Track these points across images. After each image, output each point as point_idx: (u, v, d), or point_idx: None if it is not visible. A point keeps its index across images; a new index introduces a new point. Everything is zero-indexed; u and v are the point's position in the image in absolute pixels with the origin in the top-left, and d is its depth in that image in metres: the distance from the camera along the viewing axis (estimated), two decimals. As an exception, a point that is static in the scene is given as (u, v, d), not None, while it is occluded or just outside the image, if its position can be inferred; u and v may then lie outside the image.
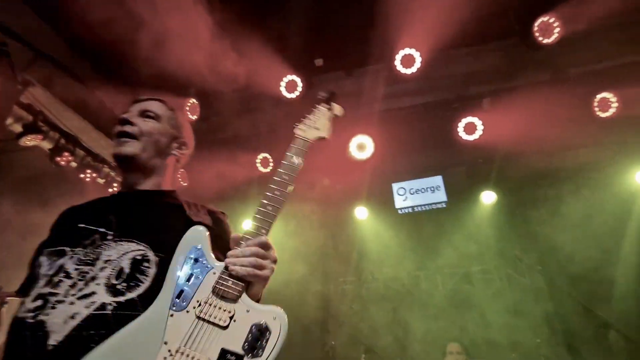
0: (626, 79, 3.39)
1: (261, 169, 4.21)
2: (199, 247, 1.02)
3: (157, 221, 1.16)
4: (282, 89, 3.65)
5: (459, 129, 3.88)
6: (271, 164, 4.19)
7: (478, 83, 3.83)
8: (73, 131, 3.96)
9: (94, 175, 4.16)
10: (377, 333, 4.32)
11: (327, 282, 4.90)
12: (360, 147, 3.98)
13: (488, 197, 4.28)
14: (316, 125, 1.31)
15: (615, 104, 3.46)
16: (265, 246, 1.00)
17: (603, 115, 3.61)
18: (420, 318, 4.42)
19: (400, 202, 4.55)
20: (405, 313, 4.50)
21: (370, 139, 3.90)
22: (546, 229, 4.48)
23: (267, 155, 4.20)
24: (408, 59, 3.45)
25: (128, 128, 1.20)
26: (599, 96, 3.51)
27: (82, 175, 4.08)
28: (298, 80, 3.60)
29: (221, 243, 1.16)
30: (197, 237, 1.04)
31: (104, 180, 4.26)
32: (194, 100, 3.82)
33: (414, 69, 3.44)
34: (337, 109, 1.39)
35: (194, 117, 3.87)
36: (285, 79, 3.63)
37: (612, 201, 4.19)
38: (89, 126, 4.03)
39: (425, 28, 3.37)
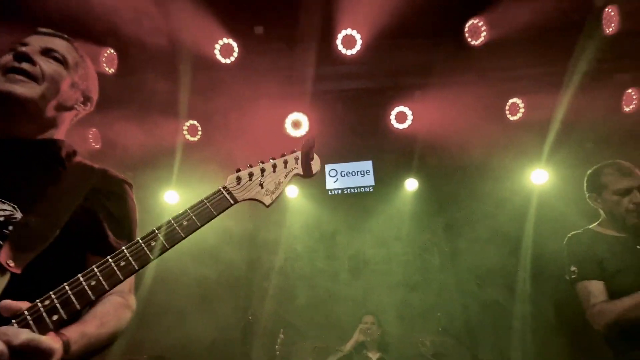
0: (534, 88, 3.83)
1: (188, 137, 3.91)
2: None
3: (32, 177, 0.97)
4: (217, 52, 3.40)
5: (391, 117, 4.04)
6: (199, 133, 3.92)
7: (413, 74, 3.99)
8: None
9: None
10: (299, 310, 4.42)
11: (252, 257, 4.84)
12: (296, 124, 3.92)
13: (411, 185, 4.57)
14: (268, 181, 1.07)
15: (523, 109, 3.90)
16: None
17: (512, 118, 4.07)
18: (341, 295, 4.63)
19: (331, 183, 4.63)
20: (327, 290, 4.67)
21: (305, 117, 3.86)
22: (458, 218, 4.96)
23: (195, 122, 3.91)
24: (349, 40, 3.45)
25: (27, 66, 0.98)
26: (510, 100, 3.91)
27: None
28: (234, 44, 3.38)
29: (112, 221, 1.04)
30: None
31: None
32: (112, 51, 3.36)
33: (354, 51, 3.45)
34: (316, 164, 1.15)
35: (111, 71, 3.42)
36: (221, 42, 3.37)
37: (514, 198, 4.78)
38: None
39: (368, 12, 3.39)
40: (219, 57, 3.41)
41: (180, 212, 0.96)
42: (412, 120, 4.03)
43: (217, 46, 3.40)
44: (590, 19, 3.28)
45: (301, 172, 1.13)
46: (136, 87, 3.72)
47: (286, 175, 1.10)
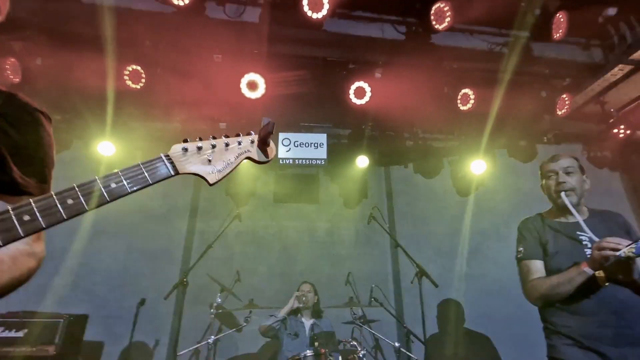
0: (484, 81, 4.00)
1: (129, 83, 3.52)
2: None
3: None
4: (169, -9, 3.04)
5: (350, 92, 4.00)
6: (143, 80, 3.54)
7: (376, 51, 3.95)
8: None
9: None
10: (238, 276, 4.39)
11: (194, 222, 4.66)
12: (252, 85, 3.72)
13: (362, 161, 4.64)
14: (217, 159, 1.00)
15: (473, 101, 4.08)
16: None
17: (463, 108, 4.25)
18: (282, 264, 4.67)
19: (283, 152, 4.53)
20: (268, 260, 4.67)
21: (262, 80, 3.67)
22: (403, 198, 5.20)
23: (139, 68, 3.52)
24: (316, 3, 3.28)
25: None
26: (463, 90, 4.06)
27: None
28: (189, -15, 3.04)
29: (19, 154, 0.89)
30: None
31: None
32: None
33: (319, 15, 3.30)
34: (271, 151, 1.09)
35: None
36: (174, -20, 3.02)
37: (456, 185, 5.11)
38: None
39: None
40: (171, -2, 3.05)
41: (111, 172, 0.85)
42: (370, 97, 4.03)
43: (170, -16, 3.03)
44: (540, 22, 3.46)
45: (254, 157, 1.07)
46: (68, 15, 3.23)
47: (237, 156, 1.03)
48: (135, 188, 0.87)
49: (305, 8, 3.26)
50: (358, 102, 4.07)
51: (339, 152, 4.73)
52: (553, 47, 3.92)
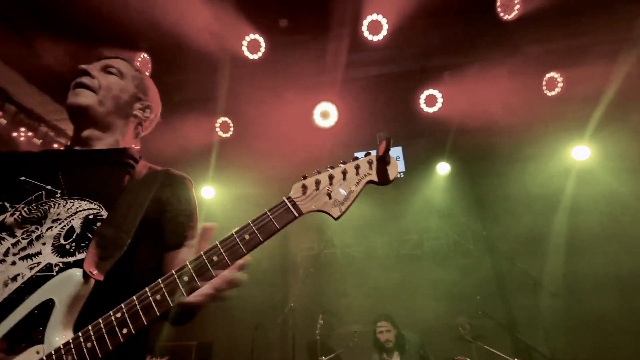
0: (572, 61, 3.62)
1: (221, 133, 4.04)
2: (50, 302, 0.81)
3: (110, 179, 1.07)
4: (244, 49, 3.46)
5: (420, 101, 3.97)
6: (231, 129, 4.03)
7: (440, 54, 3.88)
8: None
9: (29, 134, 3.74)
10: (335, 296, 4.54)
11: (288, 247, 4.98)
12: (324, 114, 3.94)
13: (443, 168, 4.50)
14: (337, 191, 0.94)
15: (561, 84, 3.71)
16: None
17: (550, 94, 3.88)
18: (377, 281, 4.69)
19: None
20: (363, 278, 4.74)
21: (334, 107, 3.87)
22: (492, 200, 4.86)
23: (226, 119, 4.02)
24: (375, 25, 3.40)
25: (86, 80, 1.12)
26: (547, 75, 3.73)
27: (14, 134, 3.66)
28: (261, 40, 3.42)
29: (181, 214, 1.11)
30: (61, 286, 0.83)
31: (41, 141, 3.85)
32: (145, 55, 3.50)
33: (380, 37, 3.40)
34: (394, 169, 0.95)
35: (146, 73, 3.56)
36: (248, 38, 3.42)
37: (552, 178, 4.60)
38: (20, 78, 3.56)
39: (392, -6, 3.32)
40: (246, 53, 3.46)
41: (243, 225, 0.90)
42: (442, 103, 3.94)
43: (245, 42, 3.45)
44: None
45: (376, 179, 0.95)
46: (169, 89, 3.87)
47: (357, 183, 0.94)
48: (266, 236, 0.90)
49: (366, 33, 3.40)
50: (430, 110, 4.02)
51: (417, 163, 4.66)
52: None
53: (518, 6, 3.30)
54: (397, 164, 0.97)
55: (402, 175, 4.57)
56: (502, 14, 3.43)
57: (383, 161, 0.94)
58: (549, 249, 4.47)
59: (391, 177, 0.95)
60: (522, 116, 4.02)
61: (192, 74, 3.72)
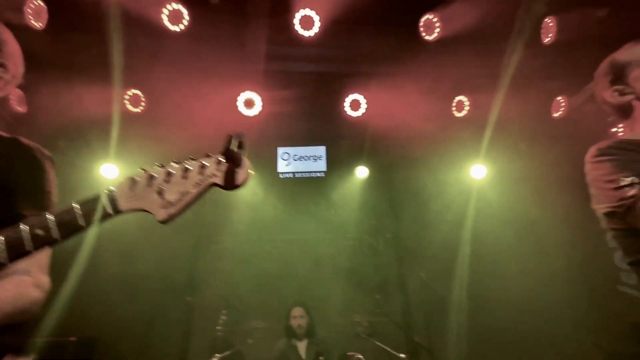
0: (479, 87, 4.04)
1: (130, 107, 3.63)
2: None
3: None
4: (164, 18, 3.15)
5: (345, 104, 4.07)
6: (143, 104, 3.64)
7: (369, 62, 4.02)
8: None
9: None
10: (241, 292, 4.41)
11: (197, 240, 4.71)
12: (248, 103, 3.80)
13: (362, 172, 4.67)
14: (171, 190, 0.81)
15: (468, 107, 4.11)
16: None
17: (458, 115, 4.29)
18: (285, 278, 4.68)
19: (283, 166, 4.59)
20: (271, 274, 4.69)
21: (259, 97, 3.75)
22: (404, 207, 5.20)
23: (138, 92, 3.63)
24: (307, 21, 3.37)
25: None
26: (457, 98, 4.10)
27: None
28: (184, 11, 3.15)
29: (24, 194, 0.94)
30: None
31: None
32: (40, 2, 2.97)
33: (312, 33, 3.39)
34: (244, 173, 0.82)
35: (39, 25, 3.03)
36: (169, 7, 3.13)
37: (456, 191, 5.09)
38: None
39: (329, -6, 3.34)
40: (166, 23, 3.16)
41: (41, 216, 0.77)
42: (366, 108, 4.09)
43: (165, 11, 3.14)
44: (529, 27, 3.50)
45: (221, 183, 0.82)
46: (69, 48, 3.35)
47: (197, 184, 0.81)
48: (64, 236, 0.77)
49: (298, 27, 3.35)
50: (354, 114, 4.14)
51: (338, 164, 4.77)
52: (546, 50, 3.95)
53: (438, 29, 3.56)
54: (248, 170, 0.84)
55: (323, 175, 4.64)
56: (424, 34, 3.68)
57: (233, 162, 0.81)
58: (455, 259, 4.92)
59: (239, 181, 0.82)
60: (433, 132, 4.36)
61: (99, 35, 3.26)
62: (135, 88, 3.61)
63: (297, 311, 3.64)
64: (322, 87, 4.02)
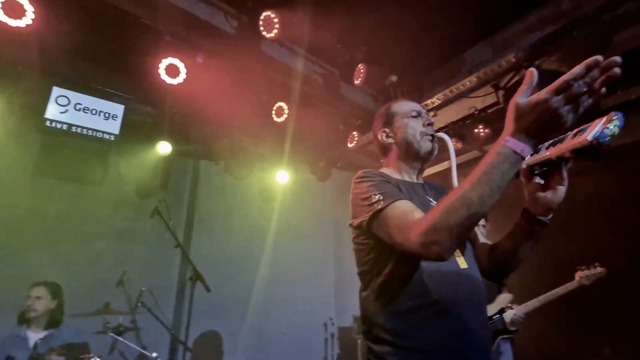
0: (298, 99, 4.31)
1: None
2: None
3: None
4: None
5: (160, 66, 3.51)
6: None
7: (203, 33, 3.64)
8: None
9: None
10: None
11: None
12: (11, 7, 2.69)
13: (164, 147, 4.12)
14: None
15: (286, 114, 4.33)
16: None
17: (277, 119, 4.45)
18: (38, 255, 3.54)
19: (55, 112, 3.49)
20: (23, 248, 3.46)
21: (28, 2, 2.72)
22: (207, 198, 4.93)
23: None
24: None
25: None
26: (278, 103, 4.26)
27: None
28: None
29: None
30: None
31: None
32: None
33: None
34: None
35: None
36: None
37: (263, 192, 5.24)
38: None
39: None
40: None
41: None
42: (185, 79, 3.64)
43: None
44: (347, 65, 4.04)
45: None
46: None
47: None
48: None
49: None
50: (170, 80, 3.63)
51: (138, 132, 4.06)
52: (355, 90, 4.65)
53: (277, 29, 3.59)
54: None
55: (113, 139, 3.82)
56: (263, 30, 3.65)
57: None
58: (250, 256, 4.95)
59: None
60: (251, 129, 4.37)
61: None
62: None
63: (37, 291, 2.91)
64: (135, 38, 3.34)
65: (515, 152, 0.84)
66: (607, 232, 3.07)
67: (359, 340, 4.78)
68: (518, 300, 3.07)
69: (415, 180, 1.44)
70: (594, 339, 3.14)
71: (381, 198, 1.14)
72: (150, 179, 4.42)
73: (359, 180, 1.28)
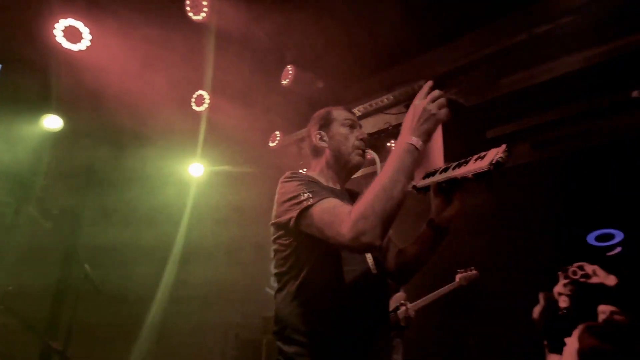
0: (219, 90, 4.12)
1: None
2: None
3: None
4: None
5: (55, 28, 2.97)
6: None
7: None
8: None
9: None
10: None
11: None
12: None
13: (52, 122, 3.49)
14: None
15: (207, 104, 4.09)
16: None
17: (196, 108, 4.18)
18: None
19: None
20: None
21: None
22: (108, 187, 4.37)
23: None
24: None
25: None
26: (198, 92, 4.01)
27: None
28: None
29: None
30: None
31: None
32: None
33: None
34: None
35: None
36: None
37: (174, 188, 4.83)
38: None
39: None
40: None
41: None
42: (90, 45, 3.15)
43: None
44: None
45: None
46: None
47: None
48: None
49: None
50: (70, 46, 3.11)
51: (17, 98, 3.37)
52: (282, 90, 4.60)
53: (204, 13, 3.37)
54: None
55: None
56: (190, 12, 3.39)
57: None
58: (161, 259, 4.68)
59: None
60: (161, 116, 4.01)
61: None
62: None
63: None
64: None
65: (411, 144, 1.07)
66: (481, 241, 3.65)
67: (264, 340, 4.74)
68: (410, 299, 3.44)
69: (339, 188, 1.47)
70: (475, 329, 3.70)
71: (310, 196, 1.15)
72: (33, 160, 3.69)
73: (287, 180, 1.27)
